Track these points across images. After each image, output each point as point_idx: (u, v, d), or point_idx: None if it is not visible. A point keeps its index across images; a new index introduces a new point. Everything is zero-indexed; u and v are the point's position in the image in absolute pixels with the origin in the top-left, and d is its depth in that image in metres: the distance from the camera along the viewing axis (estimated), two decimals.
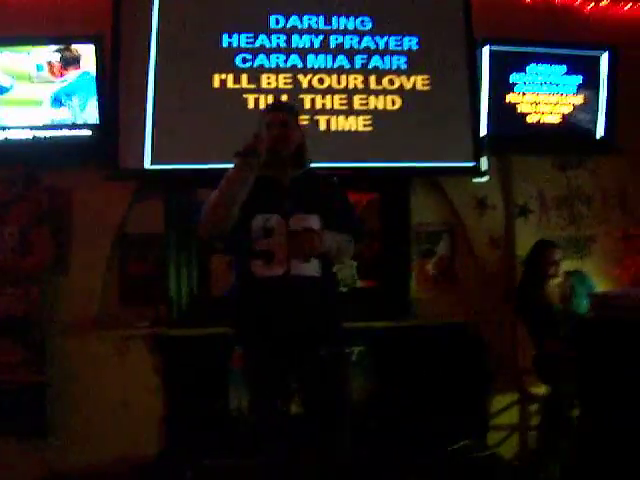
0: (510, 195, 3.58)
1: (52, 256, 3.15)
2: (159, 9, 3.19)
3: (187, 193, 3.36)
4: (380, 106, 3.31)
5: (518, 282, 3.39)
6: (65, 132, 3.15)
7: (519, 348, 3.45)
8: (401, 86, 3.34)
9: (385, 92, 3.33)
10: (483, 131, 3.47)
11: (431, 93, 3.35)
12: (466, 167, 3.35)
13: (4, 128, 3.12)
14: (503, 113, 3.45)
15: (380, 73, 3.34)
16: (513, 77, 3.43)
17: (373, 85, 3.33)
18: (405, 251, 3.48)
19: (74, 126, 3.14)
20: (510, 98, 3.45)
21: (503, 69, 3.39)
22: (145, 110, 3.16)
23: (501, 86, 3.42)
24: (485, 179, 3.54)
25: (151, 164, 3.15)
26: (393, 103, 3.32)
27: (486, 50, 3.36)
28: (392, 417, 3.39)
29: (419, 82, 3.35)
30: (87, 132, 3.14)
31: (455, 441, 3.35)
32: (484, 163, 3.50)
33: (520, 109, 3.46)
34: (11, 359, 3.14)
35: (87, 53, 3.07)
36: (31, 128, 3.13)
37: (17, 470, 3.06)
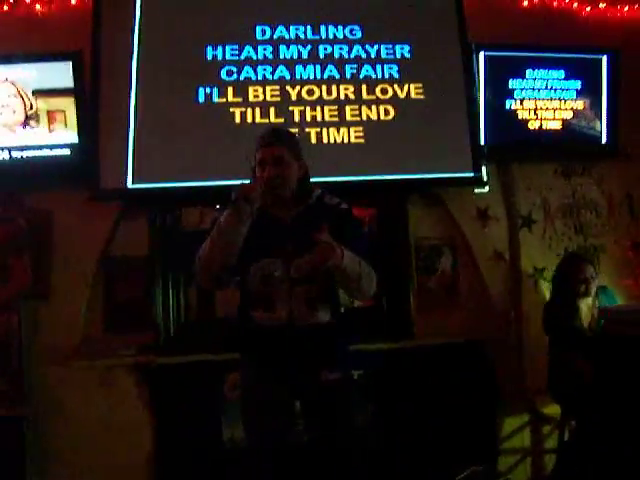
0: (513, 205, 3.38)
1: (31, 282, 2.89)
2: (140, 23, 3.04)
3: (172, 213, 3.15)
4: (373, 116, 3.12)
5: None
6: (44, 152, 2.91)
7: (528, 367, 3.16)
8: (394, 95, 3.15)
9: (378, 102, 3.15)
10: (482, 139, 3.20)
11: (426, 101, 3.17)
12: (466, 178, 3.14)
13: None
14: (502, 120, 3.26)
15: (372, 82, 3.16)
16: (512, 83, 3.22)
17: (365, 95, 3.13)
18: (404, 268, 3.21)
19: (52, 146, 2.90)
20: (509, 104, 3.21)
21: (500, 75, 3.22)
22: (127, 127, 2.95)
23: (499, 92, 3.24)
24: (486, 189, 3.30)
25: (133, 183, 2.94)
26: (386, 113, 3.13)
27: (482, 56, 3.17)
28: (394, 443, 3.11)
29: (413, 90, 3.17)
30: (66, 151, 2.90)
31: (463, 468, 3.04)
32: (484, 173, 3.25)
33: (520, 115, 3.27)
34: None
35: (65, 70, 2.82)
36: (7, 149, 2.88)
37: None
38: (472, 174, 3.18)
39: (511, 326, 3.32)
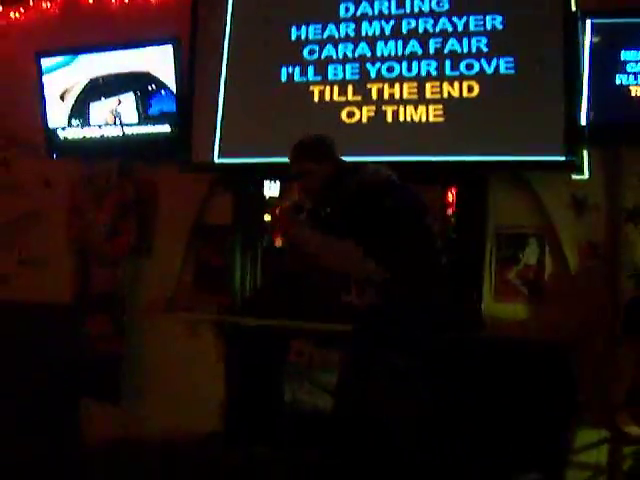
0: (617, 196, 2.86)
1: (135, 242, 3.22)
2: (232, 8, 3.08)
3: (255, 186, 3.23)
4: (455, 93, 2.87)
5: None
6: (149, 128, 3.17)
7: (614, 377, 2.70)
8: (481, 70, 2.85)
9: (462, 77, 2.87)
10: (583, 120, 2.74)
11: (516, 77, 2.80)
12: (556, 162, 2.73)
13: (100, 125, 3.23)
14: (610, 98, 2.77)
15: (457, 57, 2.92)
16: (624, 55, 2.68)
17: (448, 71, 2.85)
18: (479, 256, 2.92)
19: (156, 122, 3.15)
20: (620, 80, 2.69)
21: (610, 45, 2.71)
22: (217, 105, 3.06)
23: (608, 66, 2.74)
24: (585, 176, 2.83)
25: (219, 158, 3.07)
26: (470, 89, 2.85)
27: (588, 24, 2.70)
28: (454, 439, 2.91)
29: (502, 65, 2.82)
30: (166, 128, 3.13)
31: (523, 473, 2.74)
32: (584, 157, 2.79)
33: (633, 92, 2.70)
34: (102, 331, 3.31)
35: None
36: (121, 125, 3.19)
37: (97, 428, 3.21)
38: (564, 158, 2.70)
39: (600, 330, 2.83)
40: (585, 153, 2.90)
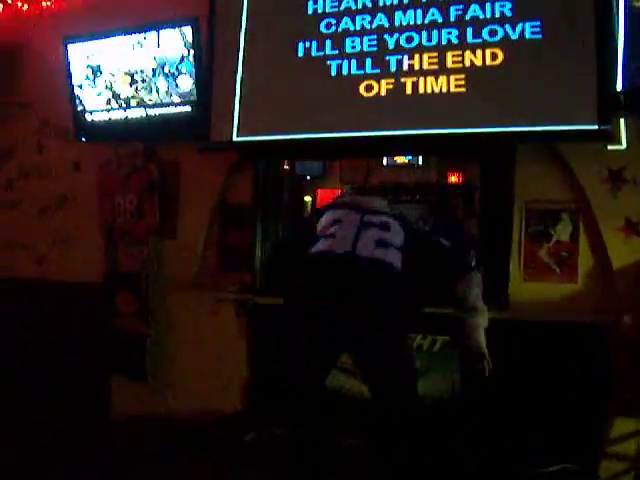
0: None
1: (159, 222, 3.31)
2: None
3: (274, 164, 3.24)
4: (478, 62, 2.77)
5: None
6: (170, 109, 3.23)
7: None
8: (505, 36, 2.74)
9: (485, 45, 2.74)
10: (619, 85, 2.59)
11: (544, 42, 2.66)
12: (587, 131, 2.58)
13: (125, 108, 3.32)
14: None
15: (479, 23, 2.80)
16: None
17: (470, 38, 2.75)
18: (506, 232, 2.82)
19: (176, 103, 3.21)
20: None
21: None
22: (234, 84, 3.09)
23: None
24: (623, 146, 2.68)
25: (237, 136, 3.09)
26: (494, 57, 2.74)
27: None
28: (477, 421, 2.85)
29: (528, 30, 2.70)
30: (187, 108, 3.19)
31: (554, 462, 2.65)
32: (620, 125, 2.64)
33: None
34: (128, 309, 3.42)
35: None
36: (143, 107, 3.27)
37: (126, 404, 3.34)
38: (596, 126, 2.56)
39: (638, 312, 2.68)
40: (622, 121, 2.71)
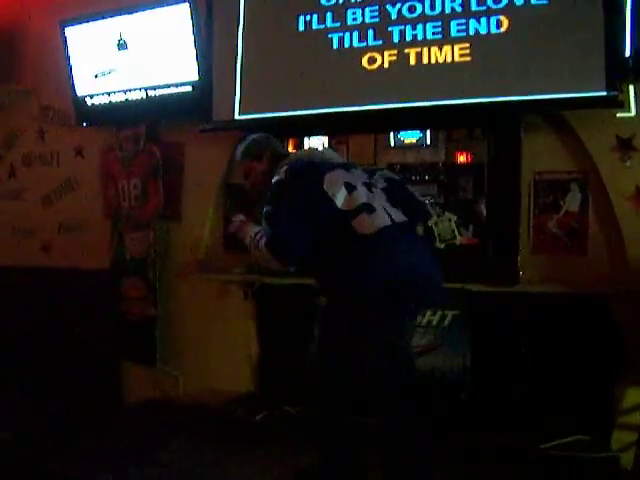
0: None
1: (163, 204, 3.37)
2: None
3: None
4: (482, 30, 2.77)
5: None
6: (172, 90, 3.28)
7: None
8: (510, 2, 2.73)
9: (489, 12, 2.75)
10: (627, 50, 2.61)
11: (549, 7, 2.67)
12: (595, 97, 2.61)
13: (125, 91, 3.38)
14: None
15: None
16: None
17: (474, 6, 2.76)
18: (514, 204, 2.86)
19: (178, 84, 3.25)
20: None
21: None
22: (235, 61, 3.13)
23: None
24: (632, 113, 2.70)
25: (240, 114, 3.14)
26: (499, 25, 2.75)
27: None
28: (488, 395, 2.91)
29: None
30: (188, 88, 3.23)
31: (565, 434, 2.71)
32: (629, 92, 2.65)
33: None
34: (136, 294, 3.51)
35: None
36: (144, 89, 3.32)
37: (137, 388, 3.43)
38: (605, 93, 2.58)
39: None
40: (631, 88, 2.73)
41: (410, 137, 5.02)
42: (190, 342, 3.53)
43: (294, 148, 3.72)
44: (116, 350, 3.66)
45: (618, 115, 2.79)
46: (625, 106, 2.71)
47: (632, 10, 2.64)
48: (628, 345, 2.77)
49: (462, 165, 4.24)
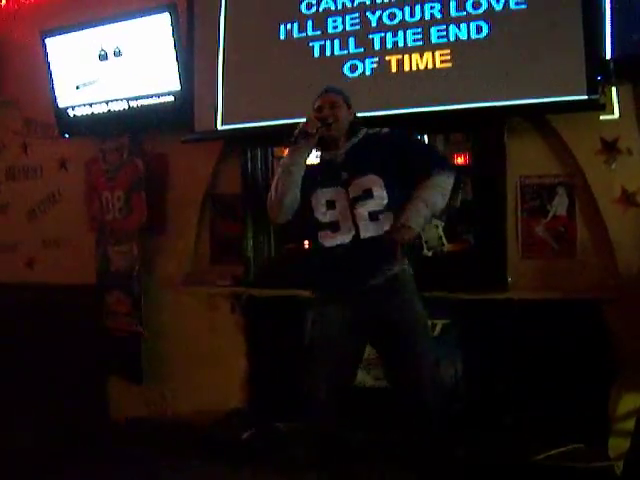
0: None
1: (147, 216, 3.52)
2: None
3: (262, 152, 3.44)
4: (463, 36, 2.93)
5: None
6: (154, 100, 3.44)
7: None
8: (489, 8, 2.92)
9: (469, 18, 2.91)
10: (608, 52, 2.75)
11: (529, 12, 2.82)
12: (577, 101, 2.75)
13: (107, 101, 3.54)
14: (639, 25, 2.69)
15: None
16: None
17: (454, 12, 2.92)
18: (501, 209, 3.00)
19: (159, 94, 3.41)
20: None
21: None
22: (217, 71, 3.29)
23: None
24: (615, 115, 2.84)
25: (222, 124, 3.29)
26: (479, 30, 2.90)
27: None
28: (480, 405, 3.03)
29: (512, 0, 2.84)
30: (170, 98, 3.39)
31: (561, 444, 2.82)
32: (612, 94, 2.80)
33: None
34: (121, 309, 3.65)
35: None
36: (126, 99, 3.49)
37: (120, 406, 3.57)
38: (586, 96, 2.73)
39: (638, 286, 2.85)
40: (614, 90, 2.87)
41: None
42: (177, 357, 3.65)
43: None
44: (102, 367, 3.78)
45: (602, 118, 2.92)
46: (608, 108, 2.83)
47: (611, 13, 2.78)
48: (621, 350, 2.88)
49: (460, 167, 4.36)
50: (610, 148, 2.92)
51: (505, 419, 3.01)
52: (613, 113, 2.89)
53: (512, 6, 2.89)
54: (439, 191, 2.21)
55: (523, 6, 2.87)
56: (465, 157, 4.63)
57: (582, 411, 2.92)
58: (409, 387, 2.29)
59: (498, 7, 2.91)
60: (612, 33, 2.78)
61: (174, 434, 3.43)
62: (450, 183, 2.23)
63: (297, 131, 2.20)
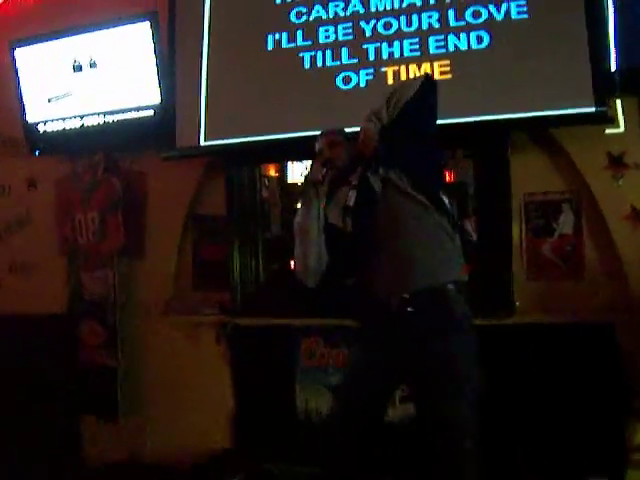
0: None
1: (124, 240, 3.31)
2: None
3: (248, 170, 3.27)
4: (462, 46, 2.81)
5: None
6: (132, 114, 3.25)
7: None
8: (490, 17, 2.81)
9: (468, 28, 2.80)
10: (613, 64, 2.67)
11: (531, 22, 2.72)
12: (584, 114, 2.64)
13: (81, 116, 3.34)
14: None
15: (461, 5, 2.85)
16: None
17: (453, 21, 2.80)
18: (505, 228, 2.86)
19: (138, 108, 3.23)
20: None
21: None
22: (199, 83, 3.12)
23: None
24: (621, 129, 2.74)
25: (205, 140, 3.13)
26: (479, 40, 2.78)
27: None
28: (491, 439, 2.84)
29: (514, 10, 2.76)
30: (150, 113, 3.21)
31: (578, 477, 2.66)
32: (617, 107, 2.70)
33: None
34: (95, 341, 3.41)
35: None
36: (103, 113, 3.29)
37: (95, 447, 3.30)
38: (593, 109, 2.62)
39: None
40: (619, 104, 2.78)
41: None
42: (157, 393, 3.42)
43: (276, 172, 3.70)
44: (75, 404, 3.52)
45: (607, 131, 2.84)
46: (614, 122, 2.74)
47: (615, 24, 2.70)
48: (635, 375, 2.74)
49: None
50: (617, 163, 2.84)
51: (516, 451, 2.81)
52: (619, 126, 2.81)
53: (514, 16, 2.80)
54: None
55: (525, 16, 2.77)
56: (451, 174, 4.56)
57: (598, 441, 2.78)
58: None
59: (499, 17, 2.83)
60: (616, 45, 2.69)
61: (154, 478, 3.15)
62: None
63: (303, 184, 2.13)
